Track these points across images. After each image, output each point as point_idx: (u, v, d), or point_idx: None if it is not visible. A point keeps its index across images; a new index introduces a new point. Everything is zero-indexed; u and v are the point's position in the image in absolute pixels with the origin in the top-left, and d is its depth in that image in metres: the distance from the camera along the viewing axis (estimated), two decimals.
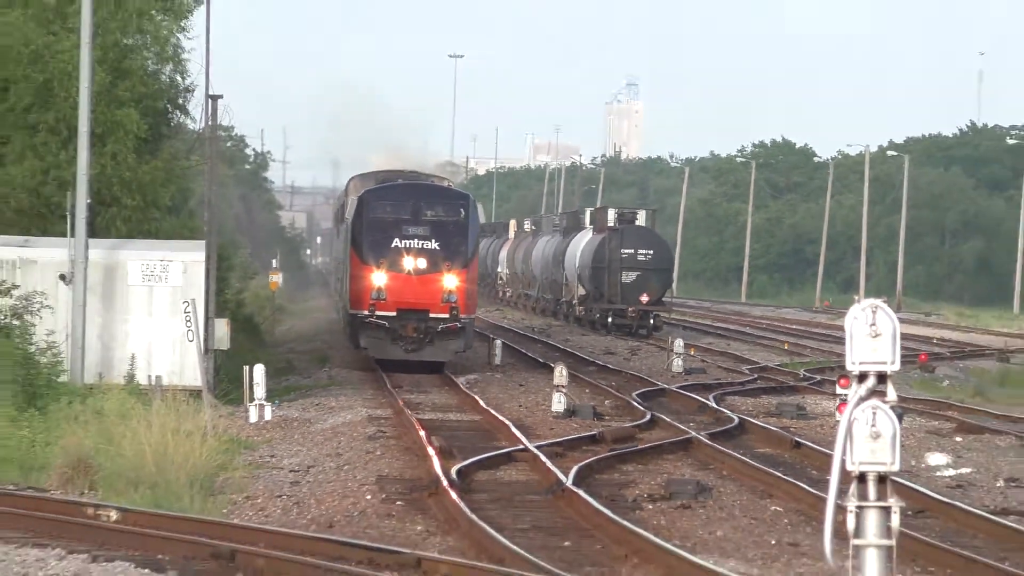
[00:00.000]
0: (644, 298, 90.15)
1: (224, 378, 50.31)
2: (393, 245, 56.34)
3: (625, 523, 29.95)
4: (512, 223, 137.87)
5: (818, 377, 63.41)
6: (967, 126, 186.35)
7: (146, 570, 25.24)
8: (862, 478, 13.31)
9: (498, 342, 66.92)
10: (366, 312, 55.66)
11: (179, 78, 62.15)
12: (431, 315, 55.56)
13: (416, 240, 56.39)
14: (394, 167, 71.82)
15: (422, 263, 56.14)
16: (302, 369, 62.39)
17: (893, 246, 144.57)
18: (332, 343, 72.90)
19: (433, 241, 56.73)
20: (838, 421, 13.43)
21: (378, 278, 55.84)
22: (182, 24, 60.24)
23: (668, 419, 46.68)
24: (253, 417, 45.93)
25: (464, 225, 57.25)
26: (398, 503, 33.39)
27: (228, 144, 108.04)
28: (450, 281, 55.74)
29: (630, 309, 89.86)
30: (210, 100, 62.74)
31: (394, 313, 55.43)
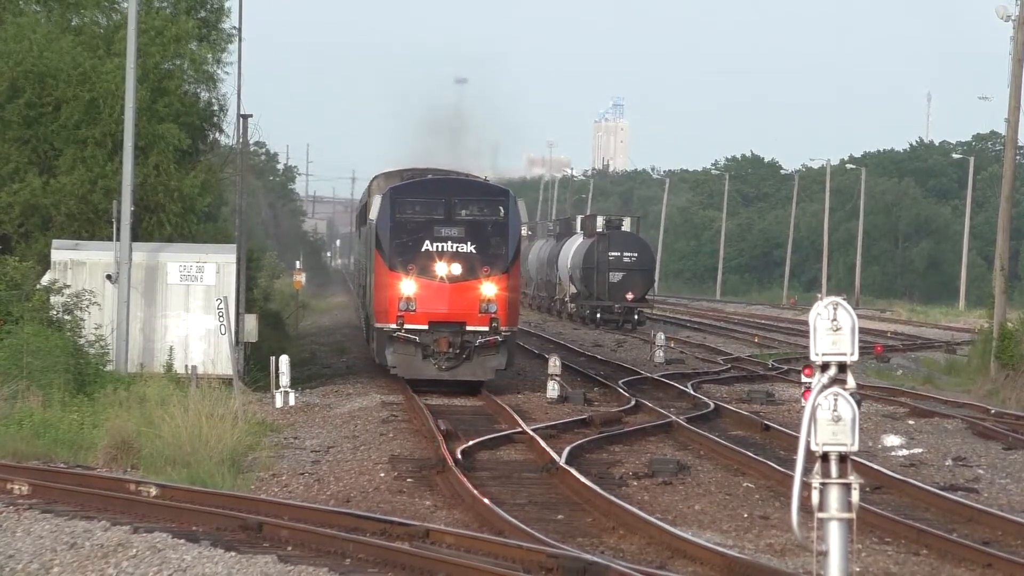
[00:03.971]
0: (629, 296, 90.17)
1: (253, 367, 50.23)
2: (423, 249, 47.38)
3: (612, 498, 29.92)
4: None
5: (785, 367, 63.38)
6: (917, 142, 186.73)
7: (181, 540, 25.19)
8: (825, 458, 13.30)
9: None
10: (393, 326, 47.06)
11: (213, 99, 62.30)
12: (468, 328, 46.95)
13: (450, 242, 47.54)
14: (418, 167, 60.87)
15: (457, 269, 47.28)
16: (323, 359, 62.32)
17: (851, 249, 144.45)
18: (349, 336, 72.83)
19: (469, 243, 47.70)
20: (803, 406, 13.40)
21: (407, 286, 47.14)
22: (219, 56, 60.39)
23: (651, 404, 46.62)
24: (279, 403, 45.88)
25: (504, 225, 48.50)
26: (409, 480, 33.35)
27: (260, 158, 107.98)
28: (489, 289, 47.19)
29: (617, 306, 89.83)
30: (241, 119, 62.90)
31: (425, 326, 46.85)
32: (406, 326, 46.56)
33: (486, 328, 46.60)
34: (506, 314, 47.00)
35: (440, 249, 47.10)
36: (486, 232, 47.74)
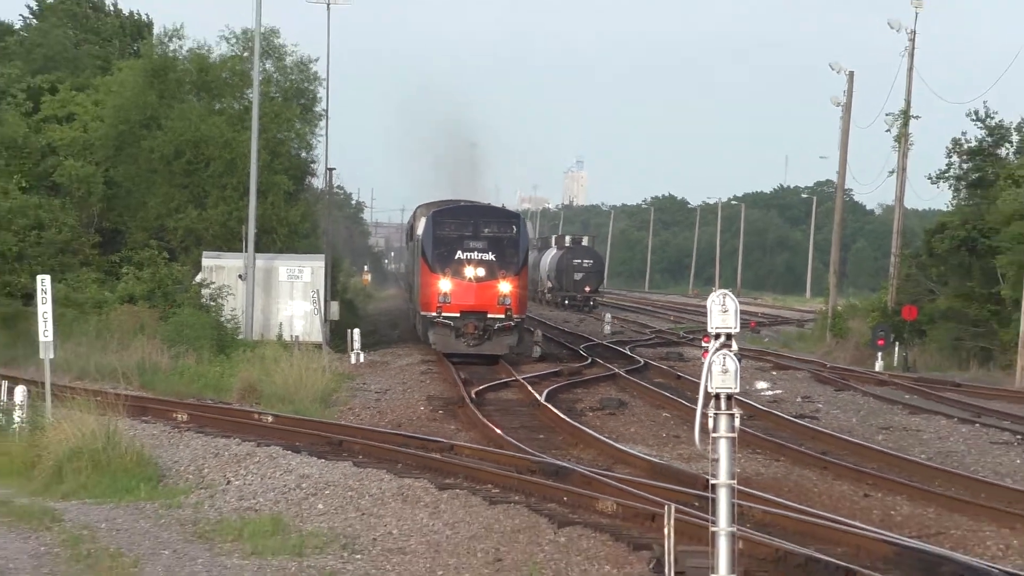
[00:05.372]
0: (587, 288, 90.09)
1: (335, 336, 50.29)
2: (457, 257, 46.22)
3: (575, 424, 29.97)
4: None
5: (691, 336, 63.33)
6: (778, 186, 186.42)
7: (289, 451, 25.22)
8: (717, 397, 13.25)
9: None
10: (434, 313, 45.79)
11: (309, 158, 62.54)
12: (489, 315, 45.67)
13: (476, 253, 46.43)
14: (449, 198, 60.65)
15: (481, 272, 46.03)
16: (381, 332, 62.37)
17: (735, 258, 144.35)
18: (399, 317, 72.80)
19: (490, 253, 46.50)
20: (703, 362, 13.39)
21: (444, 285, 45.86)
22: (312, 130, 60.63)
23: (601, 362, 46.64)
24: (352, 360, 45.90)
25: (516, 240, 47.34)
26: (439, 412, 33.39)
27: (340, 196, 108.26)
28: (504, 287, 45.99)
29: (578, 295, 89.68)
30: (328, 171, 62.99)
31: (458, 314, 45.60)
32: (443, 314, 45.41)
33: (503, 316, 45.48)
34: (517, 305, 45.92)
35: (469, 258, 46.05)
36: (502, 245, 46.59)
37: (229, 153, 53.38)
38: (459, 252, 45.96)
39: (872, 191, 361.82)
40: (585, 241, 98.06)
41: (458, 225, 46.85)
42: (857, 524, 18.64)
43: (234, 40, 58.53)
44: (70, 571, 16.97)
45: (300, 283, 49.92)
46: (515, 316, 45.69)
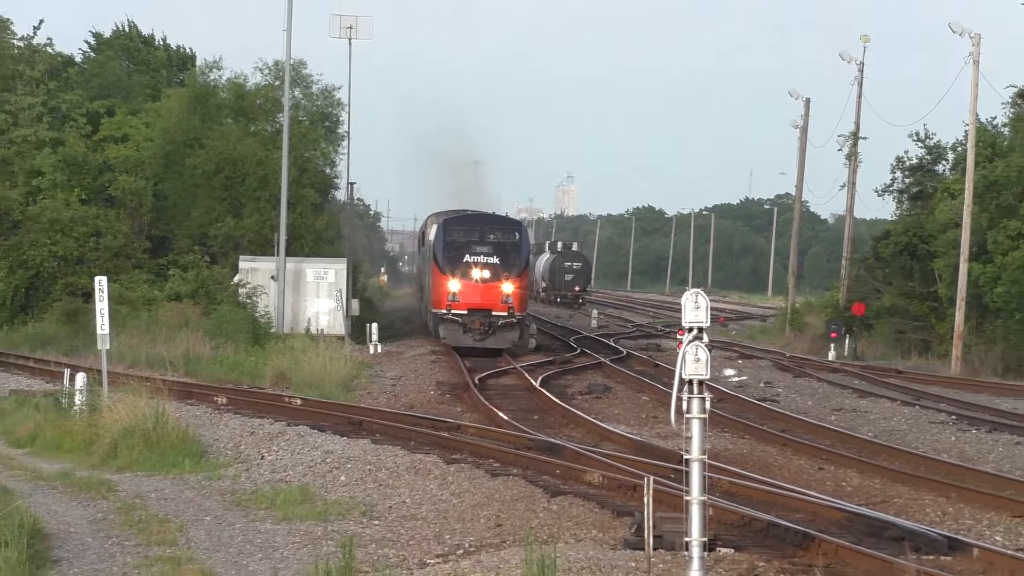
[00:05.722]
0: (576, 288, 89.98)
1: (356, 330, 50.21)
2: (464, 260, 45.04)
3: (566, 406, 30.00)
4: None
5: (668, 329, 63.28)
6: (744, 199, 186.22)
7: (315, 430, 25.24)
8: (690, 382, 13.27)
9: None
10: (444, 311, 44.72)
11: (333, 173, 62.56)
12: (493, 313, 44.58)
13: (482, 256, 45.15)
14: (456, 207, 58.78)
15: (486, 274, 44.78)
16: (396, 326, 62.32)
17: (706, 261, 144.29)
18: (412, 313, 72.69)
19: (495, 257, 45.21)
20: (678, 352, 13.39)
21: (453, 285, 44.71)
22: (335, 149, 60.75)
23: (589, 352, 46.69)
24: (371, 351, 45.85)
25: (518, 245, 46.09)
26: (447, 396, 33.40)
27: (359, 207, 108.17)
28: (507, 287, 44.75)
29: (569, 293, 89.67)
30: (349, 185, 63.00)
31: (465, 312, 44.49)
32: (452, 311, 44.53)
33: (505, 313, 44.56)
34: (518, 304, 44.94)
35: (475, 261, 45.00)
36: (506, 250, 45.46)
37: (262, 170, 53.34)
38: (467, 256, 45.04)
39: (826, 203, 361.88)
40: (575, 247, 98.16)
41: (466, 232, 45.97)
42: (813, 493, 18.67)
43: (266, 71, 58.70)
44: (124, 535, 16.98)
45: (325, 283, 49.87)
46: (517, 313, 44.88)
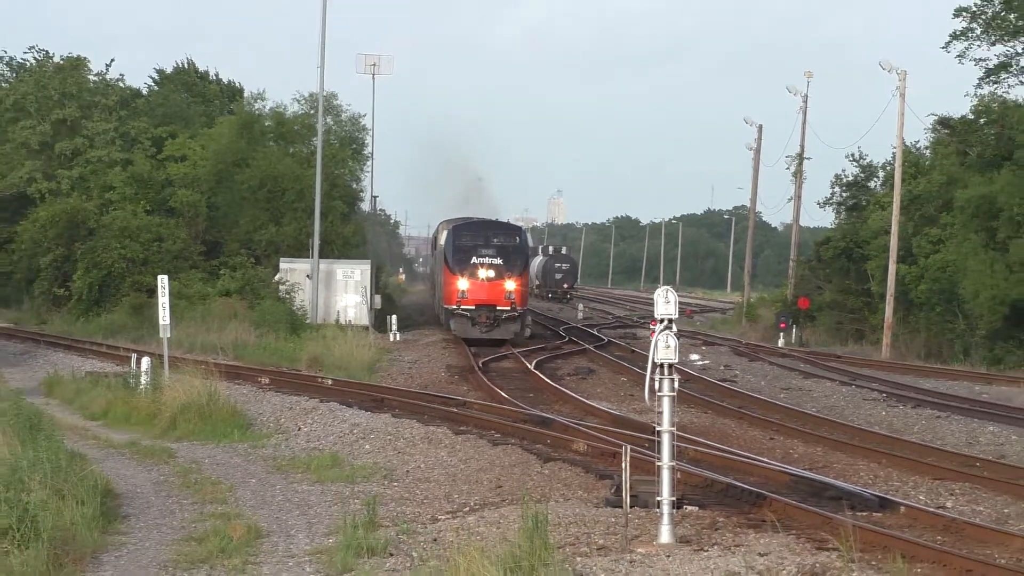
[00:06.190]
0: (565, 285, 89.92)
1: (378, 321, 50.17)
2: (472, 261, 43.81)
3: (556, 386, 29.96)
4: None
5: (642, 320, 63.26)
6: (706, 209, 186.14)
7: (343, 406, 25.19)
8: (662, 365, 13.23)
9: None
10: (454, 306, 43.59)
11: (359, 188, 62.51)
12: (497, 308, 43.48)
13: (487, 258, 43.74)
14: (464, 215, 57.59)
15: (491, 273, 43.64)
16: (412, 317, 62.22)
17: (675, 262, 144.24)
18: (426, 307, 72.60)
19: (498, 259, 44.00)
20: (651, 340, 13.36)
21: (462, 284, 43.57)
22: (361, 167, 60.76)
23: (576, 339, 46.70)
24: (391, 339, 45.81)
25: (519, 247, 44.96)
26: (456, 377, 33.35)
27: (381, 216, 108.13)
28: (510, 285, 43.59)
29: (558, 290, 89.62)
30: (373, 198, 62.87)
31: (473, 307, 43.40)
32: (461, 307, 43.53)
33: (508, 308, 43.59)
34: (520, 300, 44.03)
35: (482, 262, 43.86)
36: (508, 252, 44.38)
37: (299, 185, 53.30)
38: (474, 258, 44.04)
39: (776, 213, 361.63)
40: (563, 250, 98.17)
41: (473, 236, 45.06)
42: (765, 460, 18.63)
43: (303, 101, 58.95)
44: (182, 494, 16.95)
45: (352, 281, 49.83)
46: (518, 308, 44.09)
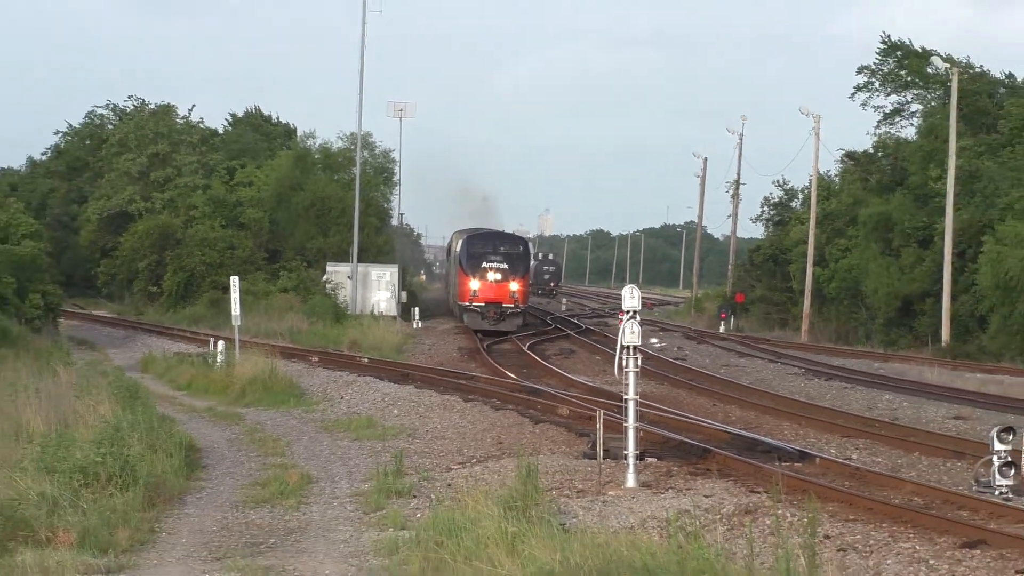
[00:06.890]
0: (552, 284, 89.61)
1: (404, 312, 49.96)
2: (483, 266, 42.16)
3: (545, 363, 29.89)
4: None
5: (612, 312, 62.96)
6: (663, 223, 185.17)
7: (377, 379, 25.07)
8: (628, 347, 13.20)
9: None
10: (467, 303, 42.10)
11: (389, 207, 62.35)
12: (503, 305, 41.78)
13: (495, 263, 42.24)
14: (474, 226, 55.55)
15: (498, 276, 41.98)
16: (431, 308, 62.06)
17: (638, 265, 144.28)
18: (442, 302, 72.39)
19: (505, 264, 42.36)
20: (620, 327, 13.35)
21: (474, 284, 42.02)
22: (391, 190, 60.57)
23: (559, 327, 46.56)
24: (415, 326, 45.61)
25: (523, 254, 43.51)
26: (465, 356, 33.29)
27: (406, 229, 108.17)
28: (515, 286, 41.89)
29: (546, 288, 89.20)
30: (400, 215, 62.68)
31: (483, 304, 41.73)
32: (473, 303, 41.97)
33: (513, 305, 41.98)
34: (522, 298, 42.56)
35: (490, 266, 42.24)
36: (513, 258, 42.91)
37: (341, 204, 53.09)
38: (484, 262, 42.70)
39: (718, 226, 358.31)
40: (551, 256, 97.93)
41: (483, 244, 43.87)
42: (709, 421, 18.59)
43: (344, 139, 58.66)
44: (249, 449, 16.92)
45: (384, 281, 49.64)
46: (521, 306, 42.87)
